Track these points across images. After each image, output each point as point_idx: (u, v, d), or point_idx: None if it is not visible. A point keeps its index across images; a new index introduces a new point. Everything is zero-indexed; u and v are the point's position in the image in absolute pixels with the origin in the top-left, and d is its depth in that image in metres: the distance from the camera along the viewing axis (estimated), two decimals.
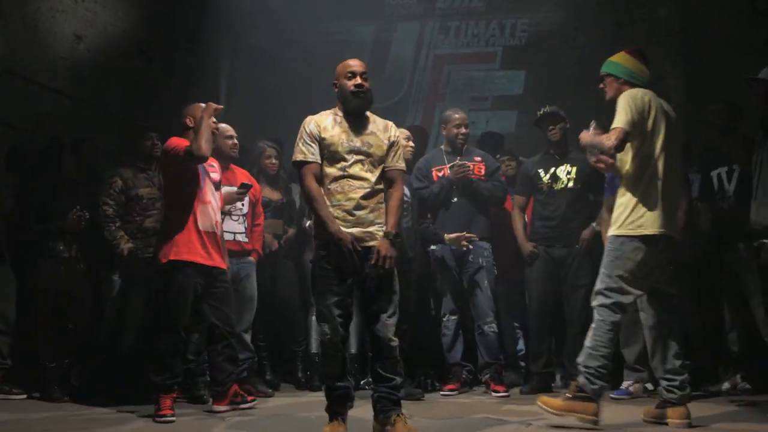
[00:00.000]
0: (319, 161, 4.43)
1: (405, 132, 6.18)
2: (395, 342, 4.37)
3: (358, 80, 4.52)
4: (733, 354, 6.03)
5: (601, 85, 4.90)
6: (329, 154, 4.45)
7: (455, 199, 6.38)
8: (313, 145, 4.44)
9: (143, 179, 6.16)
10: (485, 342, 6.20)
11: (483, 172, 6.46)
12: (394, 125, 4.69)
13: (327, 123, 4.47)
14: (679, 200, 4.79)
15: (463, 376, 6.31)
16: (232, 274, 5.85)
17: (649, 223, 4.60)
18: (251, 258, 6.16)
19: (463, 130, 6.49)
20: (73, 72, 7.61)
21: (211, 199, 5.29)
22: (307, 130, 4.46)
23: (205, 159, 5.13)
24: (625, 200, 4.69)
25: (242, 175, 6.20)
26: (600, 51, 7.30)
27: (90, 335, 6.11)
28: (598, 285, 4.66)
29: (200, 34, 9.33)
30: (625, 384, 5.92)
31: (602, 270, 4.68)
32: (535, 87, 8.98)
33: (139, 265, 5.95)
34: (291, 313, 6.62)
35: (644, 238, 4.59)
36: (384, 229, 4.42)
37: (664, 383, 4.67)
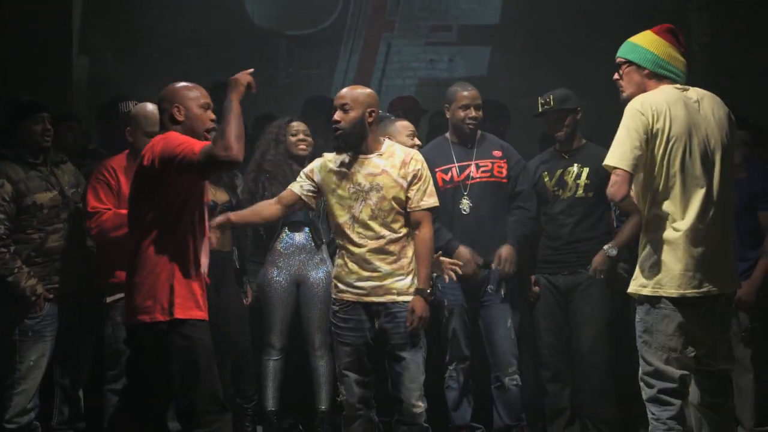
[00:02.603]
0: (297, 192, 5.39)
1: (408, 127, 6.00)
2: (420, 408, 5.24)
3: (336, 114, 5.23)
4: None
5: (616, 77, 4.75)
6: (336, 198, 5.28)
7: (465, 208, 6.24)
8: (303, 180, 5.40)
9: (38, 180, 5.80)
10: (505, 399, 6.15)
11: (504, 173, 6.29)
12: (417, 156, 5.37)
13: (334, 164, 5.30)
14: (730, 234, 4.72)
15: None
16: None
17: (673, 279, 4.52)
18: None
19: (473, 113, 6.25)
20: None
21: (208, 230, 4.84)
22: (306, 169, 5.44)
23: (235, 166, 4.57)
24: (644, 250, 4.62)
25: None
26: None
27: None
28: (639, 370, 4.65)
29: None
30: None
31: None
32: (515, 15, 8.91)
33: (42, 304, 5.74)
34: (238, 356, 6.38)
35: (674, 301, 4.52)
36: (406, 284, 5.27)
37: None
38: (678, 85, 4.66)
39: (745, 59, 8.23)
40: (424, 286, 5.29)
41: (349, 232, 5.26)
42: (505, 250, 6.12)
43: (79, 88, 8.63)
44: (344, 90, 5.38)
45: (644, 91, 4.61)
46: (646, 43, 4.68)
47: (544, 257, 6.37)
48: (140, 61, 8.88)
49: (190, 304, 4.50)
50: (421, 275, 5.29)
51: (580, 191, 6.28)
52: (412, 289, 5.30)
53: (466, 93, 6.31)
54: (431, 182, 5.39)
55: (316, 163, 5.39)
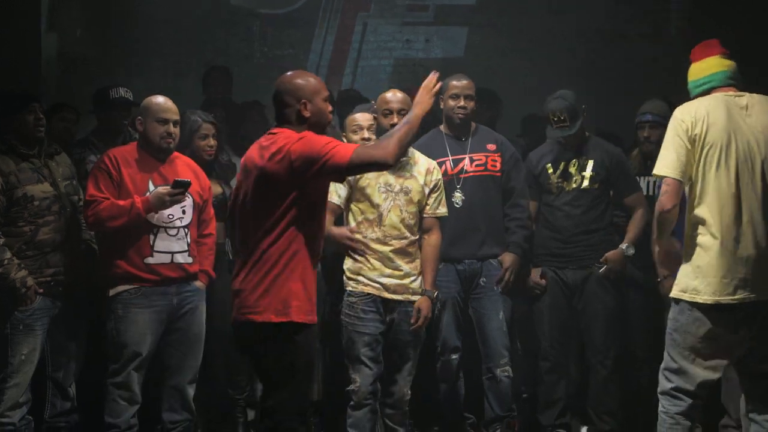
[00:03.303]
0: (341, 204, 5.69)
1: (354, 120, 5.99)
2: (409, 396, 5.82)
3: (394, 119, 5.62)
4: None
5: None
6: (363, 196, 5.64)
7: (458, 201, 6.40)
8: (343, 186, 5.57)
9: (30, 172, 5.90)
10: (497, 390, 6.34)
11: (498, 166, 6.47)
12: (437, 165, 5.94)
13: None
14: None
15: None
16: (171, 308, 5.90)
17: (708, 285, 4.70)
18: (198, 283, 6.03)
19: (462, 102, 6.39)
20: None
21: None
22: None
23: (385, 169, 4.96)
24: (685, 253, 4.85)
25: (186, 167, 6.06)
26: None
27: None
28: (662, 364, 4.93)
29: None
30: None
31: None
32: None
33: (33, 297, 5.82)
34: (229, 347, 6.33)
35: (706, 307, 4.71)
36: (418, 284, 5.78)
37: None
38: (731, 92, 4.89)
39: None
40: (431, 288, 5.81)
41: (375, 229, 5.66)
42: (509, 260, 6.40)
43: (49, 65, 8.63)
44: (396, 95, 5.87)
45: None
46: (688, 77, 5.03)
47: (551, 250, 6.56)
48: (111, 39, 8.90)
49: (306, 308, 4.60)
50: (429, 278, 5.82)
51: (586, 183, 6.50)
52: (420, 290, 5.80)
53: (456, 83, 6.46)
54: (444, 192, 5.93)
55: None
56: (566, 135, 6.47)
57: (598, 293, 6.49)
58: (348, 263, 5.74)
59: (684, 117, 4.76)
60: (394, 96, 5.84)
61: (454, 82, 6.47)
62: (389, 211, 5.70)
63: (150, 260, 5.83)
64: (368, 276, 5.67)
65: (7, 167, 5.81)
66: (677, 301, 4.83)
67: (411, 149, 5.72)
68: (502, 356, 6.40)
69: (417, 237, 5.82)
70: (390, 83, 8.85)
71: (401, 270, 5.73)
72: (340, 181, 4.76)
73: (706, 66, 4.98)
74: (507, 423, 6.43)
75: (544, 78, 8.78)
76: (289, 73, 4.74)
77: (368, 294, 5.67)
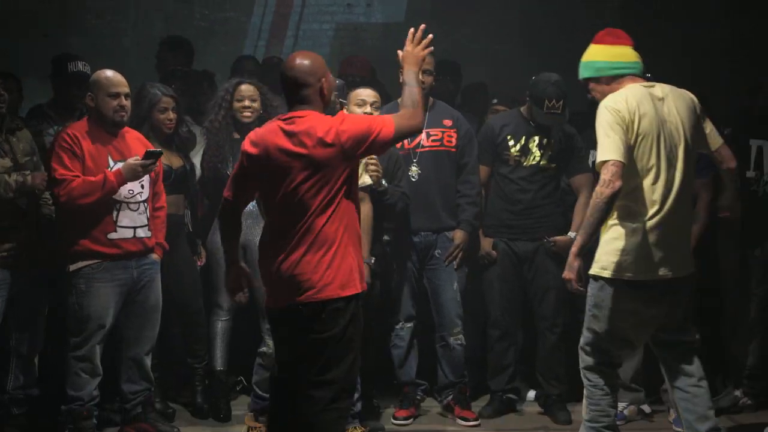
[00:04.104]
0: None
1: (358, 95, 6.29)
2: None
3: (367, 109, 6.01)
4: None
5: (590, 95, 5.36)
6: None
7: (414, 175, 6.64)
8: None
9: None
10: (450, 357, 6.66)
11: (454, 142, 6.66)
12: None
13: None
14: (687, 223, 5.33)
15: (418, 397, 6.83)
16: (132, 281, 6.03)
17: (632, 264, 5.06)
18: (154, 256, 6.16)
19: (420, 77, 6.54)
20: None
21: None
22: None
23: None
24: (606, 234, 5.16)
25: (137, 141, 6.15)
26: None
27: None
28: (581, 340, 5.29)
29: None
30: (619, 406, 6.71)
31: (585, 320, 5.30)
32: None
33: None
34: (188, 317, 6.68)
35: (629, 284, 5.08)
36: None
37: None
38: (644, 82, 5.18)
39: (662, 12, 8.70)
40: (367, 257, 5.87)
41: None
42: (459, 237, 6.66)
43: None
44: (366, 90, 6.26)
45: None
46: (590, 56, 5.27)
47: (504, 222, 6.78)
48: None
49: (362, 277, 4.78)
50: (364, 248, 5.67)
51: (545, 160, 6.71)
52: None
53: None
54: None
55: None
56: (556, 122, 6.63)
57: (547, 264, 6.76)
58: None
59: (619, 107, 5.01)
60: (364, 91, 6.21)
61: None
62: None
63: (113, 235, 5.94)
64: None
65: None
66: (596, 278, 5.17)
67: None
68: (456, 325, 6.71)
69: None
70: (331, 47, 8.97)
71: None
72: (382, 153, 5.05)
73: (623, 53, 5.23)
74: (459, 389, 6.74)
75: (485, 45, 9.01)
76: (294, 54, 4.86)
77: None
